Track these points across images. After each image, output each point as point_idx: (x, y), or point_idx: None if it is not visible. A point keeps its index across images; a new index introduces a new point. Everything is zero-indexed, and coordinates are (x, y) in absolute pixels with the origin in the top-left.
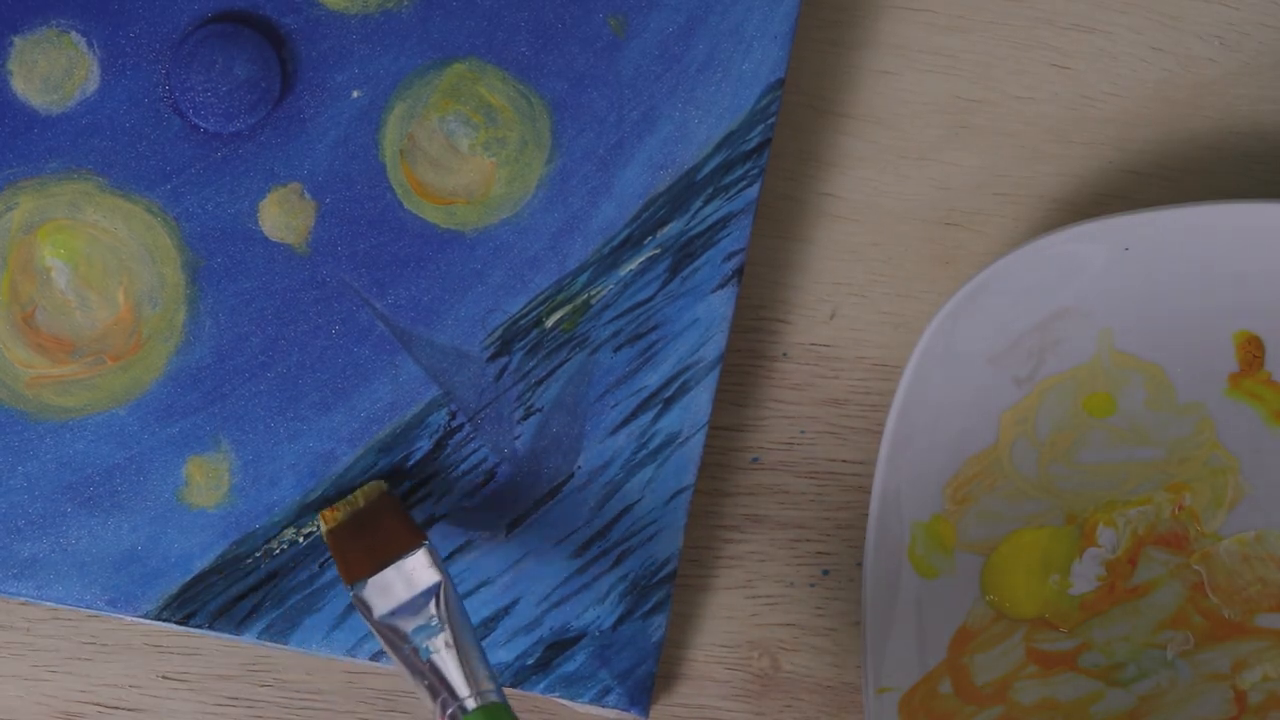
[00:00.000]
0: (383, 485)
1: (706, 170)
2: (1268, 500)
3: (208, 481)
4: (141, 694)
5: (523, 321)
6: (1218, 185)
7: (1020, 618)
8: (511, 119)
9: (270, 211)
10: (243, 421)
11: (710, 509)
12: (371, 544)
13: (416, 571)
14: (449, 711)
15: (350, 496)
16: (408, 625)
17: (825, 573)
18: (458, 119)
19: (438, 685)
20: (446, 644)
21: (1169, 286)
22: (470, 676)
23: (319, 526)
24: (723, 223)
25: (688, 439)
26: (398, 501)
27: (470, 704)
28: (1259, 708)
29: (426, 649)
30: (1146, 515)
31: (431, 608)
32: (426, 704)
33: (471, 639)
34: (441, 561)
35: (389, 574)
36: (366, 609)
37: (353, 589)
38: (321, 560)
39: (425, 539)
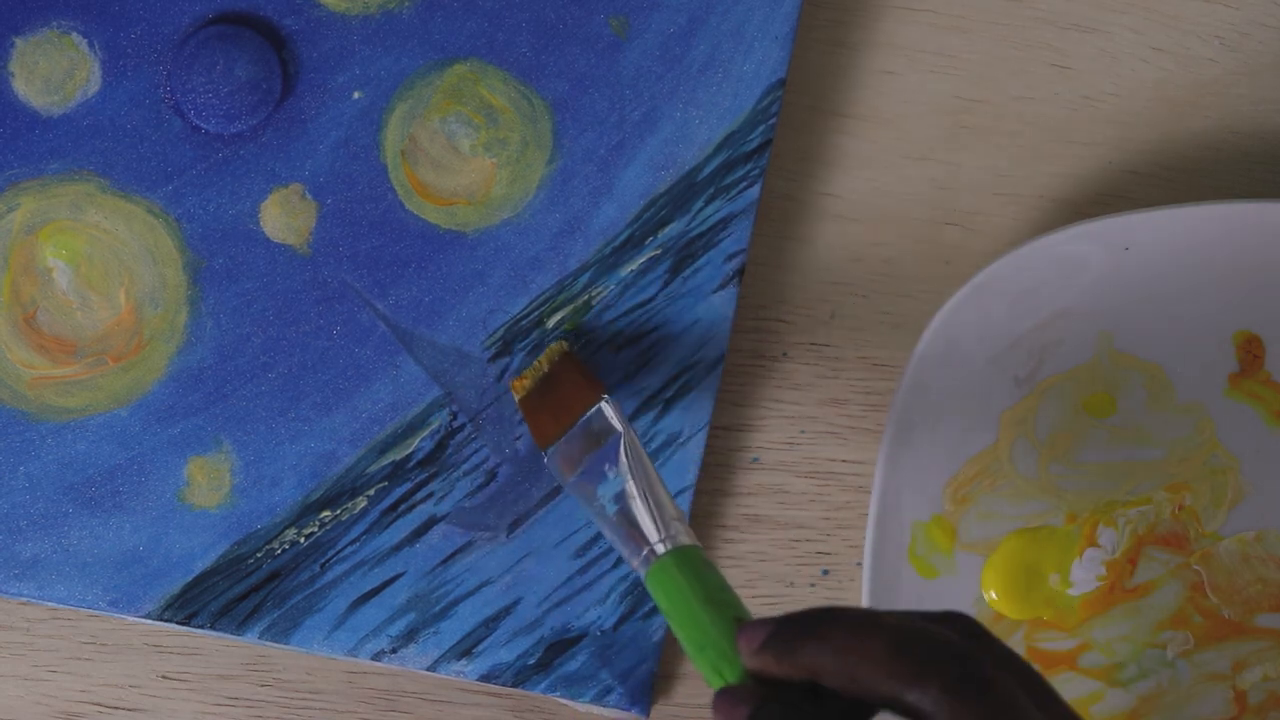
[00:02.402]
0: (564, 345)
1: (707, 171)
2: (1268, 500)
3: (209, 482)
4: (141, 694)
5: (524, 322)
6: (1218, 185)
7: (1020, 618)
8: (513, 120)
9: (271, 212)
10: (244, 422)
11: (710, 509)
12: (557, 406)
13: (600, 427)
14: (641, 558)
15: (536, 362)
16: (595, 480)
17: (825, 573)
18: (459, 120)
19: (628, 535)
20: (632, 494)
21: (1169, 286)
22: (659, 523)
23: (514, 396)
24: (724, 223)
25: (688, 439)
26: (575, 358)
27: (659, 549)
28: (1259, 708)
29: (613, 501)
30: (1146, 515)
31: (616, 461)
32: (624, 555)
33: (659, 485)
34: (623, 413)
35: (574, 433)
36: (558, 470)
37: (545, 453)
38: (323, 560)
39: (604, 394)
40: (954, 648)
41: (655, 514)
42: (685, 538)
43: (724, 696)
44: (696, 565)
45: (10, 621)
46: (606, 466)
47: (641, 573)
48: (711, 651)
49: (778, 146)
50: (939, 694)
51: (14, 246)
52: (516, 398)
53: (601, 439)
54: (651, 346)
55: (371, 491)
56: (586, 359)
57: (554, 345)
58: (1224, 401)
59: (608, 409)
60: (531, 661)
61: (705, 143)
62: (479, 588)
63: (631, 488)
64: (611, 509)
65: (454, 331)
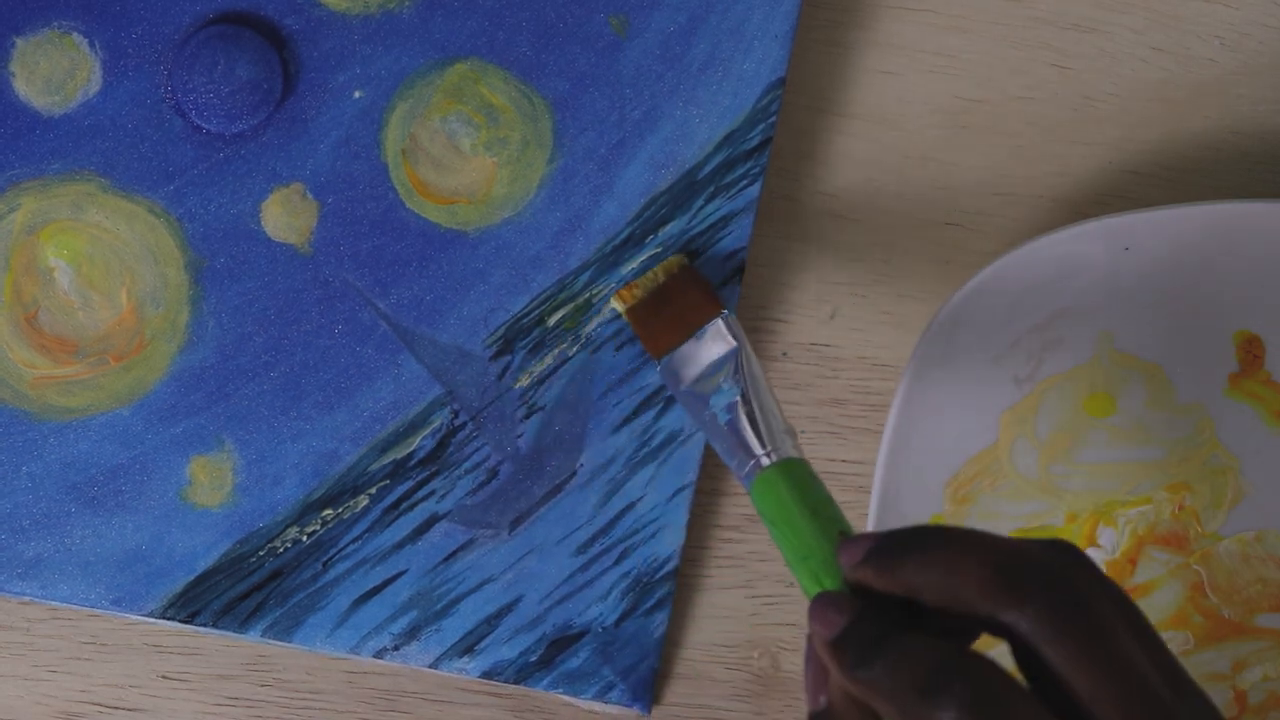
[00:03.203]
0: (683, 259)
1: (708, 169)
2: (1268, 500)
3: (211, 481)
4: (141, 694)
5: (525, 320)
6: (1218, 185)
7: None
8: (513, 119)
9: (273, 212)
10: (246, 421)
11: (710, 509)
12: (673, 316)
13: (715, 340)
14: (747, 469)
15: (651, 272)
16: (707, 390)
17: None
18: (459, 119)
19: (736, 446)
20: (743, 406)
21: (1169, 286)
22: (767, 435)
23: (616, 306)
24: (724, 221)
25: (689, 437)
26: (697, 273)
27: (765, 461)
28: (1259, 708)
29: (725, 411)
30: (1146, 515)
31: (729, 372)
32: (730, 465)
33: (768, 400)
34: (740, 329)
35: (690, 345)
36: (674, 378)
37: (659, 361)
38: (325, 559)
39: (723, 308)
40: (1054, 572)
41: (766, 426)
42: (792, 451)
43: (822, 601)
44: (803, 478)
45: (10, 621)
46: (723, 378)
47: (747, 483)
48: (814, 561)
49: (777, 146)
50: (1036, 616)
51: (15, 246)
52: (621, 307)
53: (718, 351)
54: None
55: (373, 490)
56: (589, 357)
57: (673, 258)
58: (1224, 401)
59: (727, 323)
60: (533, 659)
61: (705, 141)
62: (481, 585)
63: (746, 399)
64: (724, 418)
65: (455, 330)
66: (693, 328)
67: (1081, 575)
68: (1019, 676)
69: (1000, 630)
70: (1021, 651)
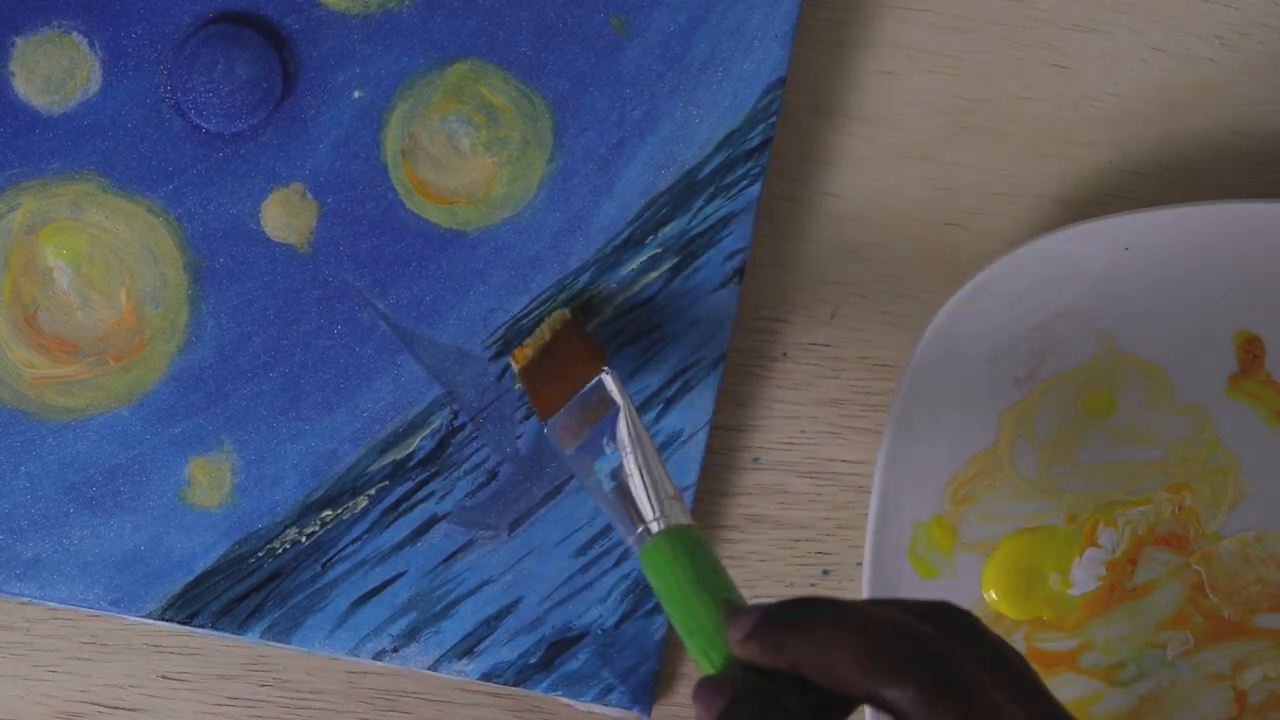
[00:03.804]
0: (565, 313)
1: (708, 169)
2: (1268, 500)
3: (210, 481)
4: (141, 694)
5: (525, 321)
6: (1218, 185)
7: (1020, 618)
8: (513, 118)
9: (272, 212)
10: (245, 421)
11: (710, 509)
12: (558, 375)
13: (599, 399)
14: (635, 536)
15: (537, 331)
16: (594, 454)
17: (825, 573)
18: (459, 119)
19: (623, 513)
20: (629, 470)
21: (1169, 286)
22: (654, 501)
23: (512, 366)
24: (724, 222)
25: (690, 438)
26: (577, 326)
27: (655, 527)
28: (1259, 708)
29: (610, 477)
30: (1146, 515)
31: (610, 436)
32: (620, 529)
33: (656, 462)
34: (624, 386)
35: (574, 403)
36: (557, 443)
37: (545, 425)
38: (324, 560)
39: (605, 364)
40: (931, 647)
41: (651, 492)
42: (681, 517)
43: (703, 686)
44: (690, 546)
45: (10, 621)
46: (605, 440)
47: (635, 551)
48: (700, 637)
49: (778, 146)
50: (916, 694)
51: (15, 246)
52: (516, 367)
53: (602, 411)
54: (652, 345)
55: (372, 491)
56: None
57: (557, 313)
58: (1224, 401)
59: (609, 380)
60: (533, 660)
61: (705, 141)
62: (480, 586)
63: (629, 464)
64: (608, 485)
65: (455, 330)
66: (577, 386)
67: (963, 647)
68: None
69: (882, 706)
70: None
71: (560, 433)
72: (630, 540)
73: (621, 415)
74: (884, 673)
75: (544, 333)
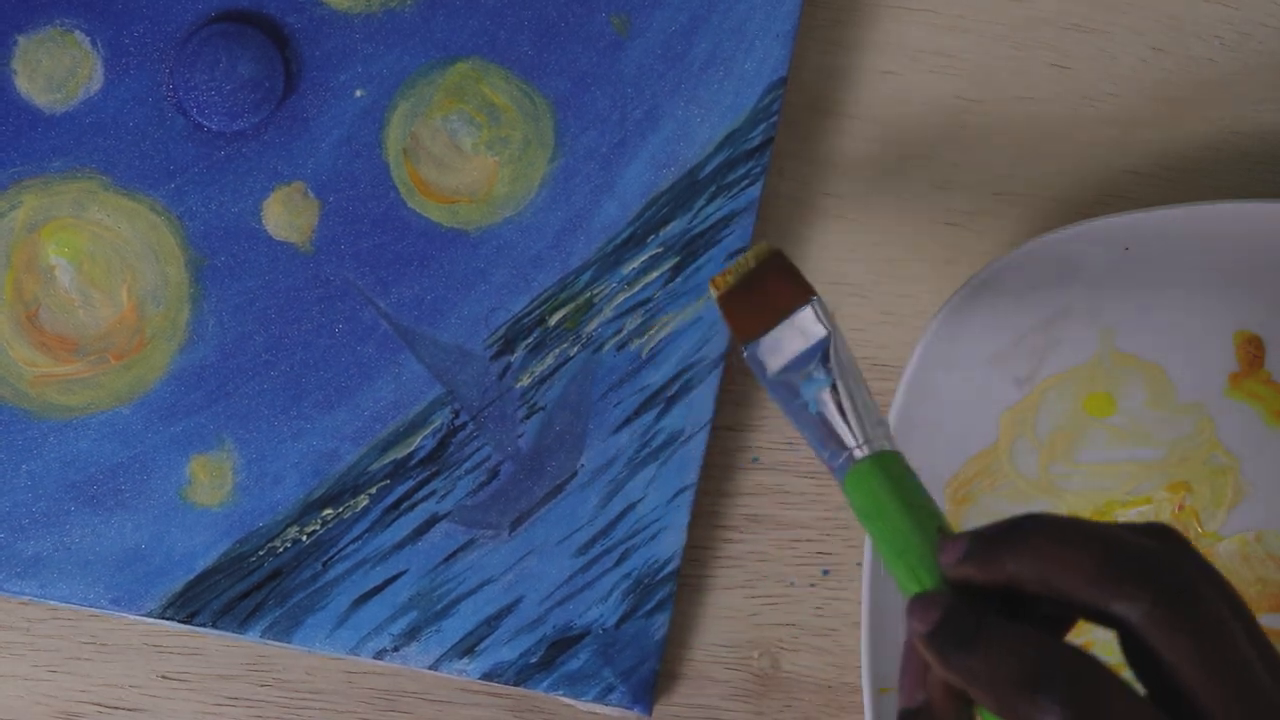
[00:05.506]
0: (774, 245)
1: (709, 169)
2: (1268, 500)
3: (211, 480)
4: (141, 694)
5: (526, 320)
6: (1218, 185)
7: None
8: (514, 118)
9: (274, 210)
10: (246, 420)
11: (710, 509)
12: (762, 303)
13: (805, 327)
14: (840, 461)
15: (741, 259)
16: (798, 379)
17: (825, 573)
18: (461, 118)
19: (827, 437)
20: (834, 397)
21: (1169, 286)
22: (859, 426)
23: (710, 294)
24: (725, 221)
25: (690, 437)
26: (786, 259)
27: (859, 453)
28: None
29: (815, 402)
30: (1146, 515)
31: (820, 361)
32: (820, 456)
33: (861, 390)
34: (831, 315)
35: (779, 331)
36: (760, 366)
37: (745, 349)
38: (325, 559)
39: (814, 294)
40: (1162, 560)
41: (857, 417)
42: (887, 443)
43: (918, 600)
44: (899, 471)
45: (10, 621)
46: (811, 366)
47: (840, 475)
48: (911, 556)
49: (778, 146)
50: (1148, 606)
51: (16, 244)
52: (715, 294)
53: (808, 338)
54: (653, 344)
55: (373, 490)
56: (590, 357)
57: (762, 244)
58: (1224, 401)
59: (817, 309)
60: (534, 660)
61: (707, 141)
62: (481, 586)
63: (837, 388)
64: (814, 408)
65: (456, 329)
66: (781, 314)
67: (1189, 565)
68: (1121, 666)
69: (1108, 620)
70: (1129, 640)
71: (765, 357)
72: (836, 463)
73: (832, 341)
74: (1114, 586)
75: (749, 260)
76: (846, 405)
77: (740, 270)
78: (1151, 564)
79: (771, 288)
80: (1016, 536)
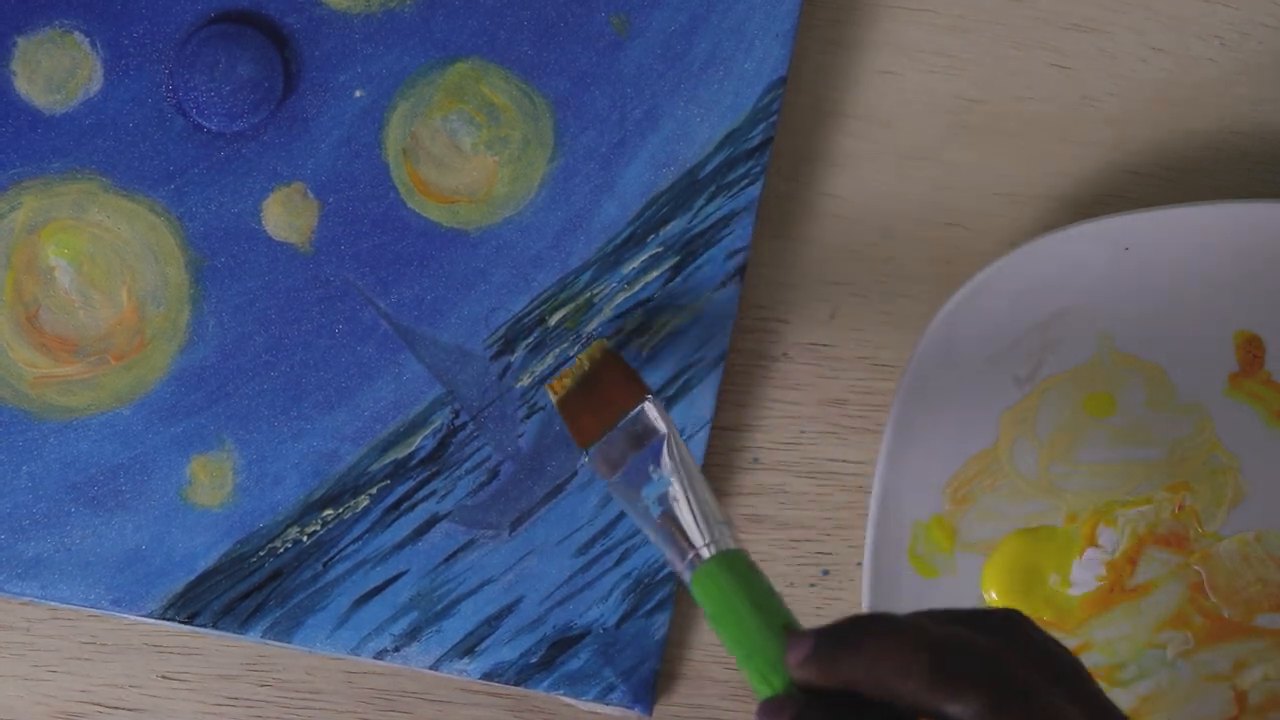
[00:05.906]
0: (604, 343)
1: (709, 168)
2: (1268, 500)
3: (212, 481)
4: (141, 694)
5: (526, 320)
6: (1218, 185)
7: None
8: (514, 118)
9: (273, 211)
10: (246, 421)
11: None
12: (599, 403)
13: (643, 426)
14: (686, 562)
15: (576, 360)
16: (639, 481)
17: (825, 573)
18: (460, 118)
19: (672, 539)
20: (677, 496)
21: (1169, 286)
22: (704, 526)
23: (550, 397)
24: (725, 221)
25: (690, 437)
26: (618, 357)
27: (705, 553)
28: (1259, 708)
29: (658, 503)
30: (1146, 515)
31: (657, 462)
32: (667, 557)
33: (704, 486)
34: (666, 412)
35: (616, 434)
36: (601, 469)
37: (587, 452)
38: (325, 559)
39: (648, 393)
40: (991, 659)
41: (700, 516)
42: (731, 541)
43: (766, 707)
44: (743, 570)
45: (10, 621)
46: (650, 467)
47: (686, 577)
48: (759, 659)
49: (778, 147)
50: (980, 708)
51: (16, 245)
52: (554, 398)
53: (645, 439)
54: (653, 345)
55: (374, 490)
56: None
57: (595, 343)
58: (1224, 401)
59: (651, 408)
60: (534, 660)
61: (707, 140)
62: (481, 586)
63: (676, 489)
64: (655, 511)
65: (456, 329)
66: (619, 414)
67: (1022, 657)
68: None
69: None
70: None
71: (602, 461)
72: (680, 566)
73: (667, 442)
74: (947, 688)
75: (583, 362)
76: (690, 505)
77: (576, 372)
78: (982, 666)
79: (607, 388)
80: (854, 639)
